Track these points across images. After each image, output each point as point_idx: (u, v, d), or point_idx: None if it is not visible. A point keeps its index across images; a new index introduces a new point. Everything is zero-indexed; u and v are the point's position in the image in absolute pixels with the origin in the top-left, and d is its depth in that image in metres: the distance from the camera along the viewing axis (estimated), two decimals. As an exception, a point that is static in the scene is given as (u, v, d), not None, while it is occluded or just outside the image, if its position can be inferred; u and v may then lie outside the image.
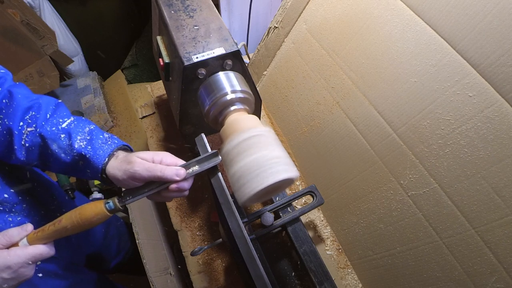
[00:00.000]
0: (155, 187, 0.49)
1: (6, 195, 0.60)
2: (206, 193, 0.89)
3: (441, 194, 0.57)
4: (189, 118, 0.69)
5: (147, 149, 1.02)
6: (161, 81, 1.07)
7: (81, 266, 0.82)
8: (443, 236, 0.58)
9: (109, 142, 0.53)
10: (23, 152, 0.53)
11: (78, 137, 0.52)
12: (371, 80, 0.67)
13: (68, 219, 0.46)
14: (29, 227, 0.47)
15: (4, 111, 0.53)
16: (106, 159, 0.51)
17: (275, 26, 0.91)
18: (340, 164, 0.77)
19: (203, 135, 0.53)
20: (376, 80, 0.66)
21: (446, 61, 0.55)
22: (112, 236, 1.04)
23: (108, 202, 0.47)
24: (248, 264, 0.46)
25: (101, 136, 0.53)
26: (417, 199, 0.62)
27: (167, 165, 0.48)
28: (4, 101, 0.53)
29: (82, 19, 1.69)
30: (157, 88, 1.12)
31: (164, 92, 1.09)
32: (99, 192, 1.37)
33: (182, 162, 0.50)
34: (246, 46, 1.10)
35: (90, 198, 1.33)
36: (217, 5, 1.33)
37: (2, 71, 0.57)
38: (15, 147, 0.52)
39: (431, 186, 0.59)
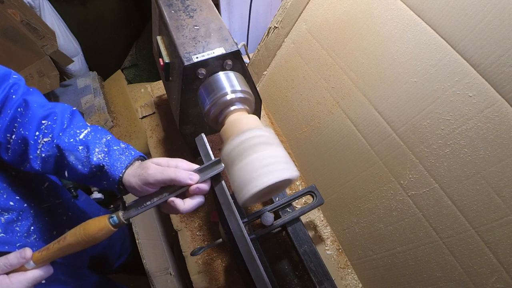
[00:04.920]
0: (167, 194, 0.48)
1: (11, 203, 0.59)
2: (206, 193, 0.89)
3: (441, 194, 0.57)
4: (189, 118, 0.69)
5: (147, 149, 1.02)
6: (161, 81, 1.07)
7: (83, 269, 0.82)
8: (443, 236, 0.58)
9: (127, 153, 0.52)
10: (39, 162, 0.52)
11: (96, 149, 0.51)
12: (371, 80, 0.67)
13: (72, 236, 0.45)
14: (27, 253, 0.46)
15: (19, 120, 0.52)
16: (124, 170, 0.50)
17: (275, 26, 0.91)
18: (340, 164, 0.77)
19: (203, 135, 0.53)
20: (376, 80, 0.66)
21: (446, 61, 0.55)
22: (116, 237, 1.04)
23: (112, 217, 0.46)
24: (248, 264, 0.46)
25: (118, 147, 0.53)
26: (417, 199, 0.62)
27: (182, 169, 0.48)
28: (19, 109, 0.52)
29: (82, 19, 1.69)
30: (157, 88, 1.12)
31: (164, 92, 1.09)
32: (99, 192, 1.37)
33: (197, 167, 0.50)
34: (246, 46, 1.10)
35: (91, 197, 1.33)
36: (217, 5, 1.33)
37: (15, 76, 0.56)
38: (30, 156, 0.51)
39: (431, 186, 0.59)
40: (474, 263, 0.54)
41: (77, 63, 1.72)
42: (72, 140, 0.51)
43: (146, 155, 0.56)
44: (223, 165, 0.49)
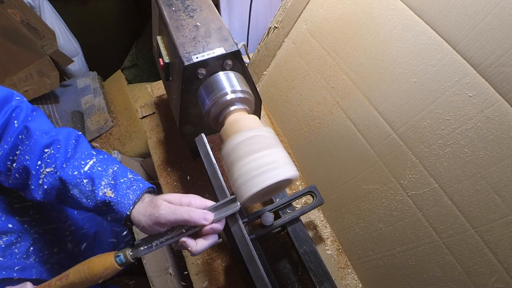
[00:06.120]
0: (179, 233, 0.46)
1: (10, 225, 0.57)
2: (206, 193, 0.89)
3: (441, 194, 0.57)
4: (189, 118, 0.69)
5: (147, 149, 1.02)
6: (161, 81, 1.07)
7: None
8: (443, 236, 0.58)
9: (134, 187, 0.50)
10: (40, 193, 0.49)
11: (102, 183, 0.48)
12: (371, 80, 0.67)
13: (75, 274, 0.44)
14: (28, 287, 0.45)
15: (20, 147, 0.49)
16: (131, 207, 0.48)
17: (275, 26, 0.91)
18: (340, 164, 0.77)
19: (203, 135, 0.53)
20: (376, 80, 0.66)
21: (446, 61, 0.55)
22: (122, 248, 1.01)
23: (119, 255, 0.45)
24: (248, 264, 0.46)
25: (125, 179, 0.50)
26: (417, 199, 0.62)
27: (195, 207, 0.46)
28: (20, 137, 0.50)
29: (82, 19, 1.69)
30: (157, 88, 1.12)
31: (164, 92, 1.09)
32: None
33: (212, 203, 0.48)
34: (246, 46, 1.10)
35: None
36: (217, 5, 1.34)
37: (17, 98, 0.53)
38: (32, 187, 0.49)
39: (431, 186, 0.59)
40: (474, 263, 0.54)
41: (77, 63, 1.72)
42: (76, 172, 0.48)
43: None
44: (239, 204, 0.47)
